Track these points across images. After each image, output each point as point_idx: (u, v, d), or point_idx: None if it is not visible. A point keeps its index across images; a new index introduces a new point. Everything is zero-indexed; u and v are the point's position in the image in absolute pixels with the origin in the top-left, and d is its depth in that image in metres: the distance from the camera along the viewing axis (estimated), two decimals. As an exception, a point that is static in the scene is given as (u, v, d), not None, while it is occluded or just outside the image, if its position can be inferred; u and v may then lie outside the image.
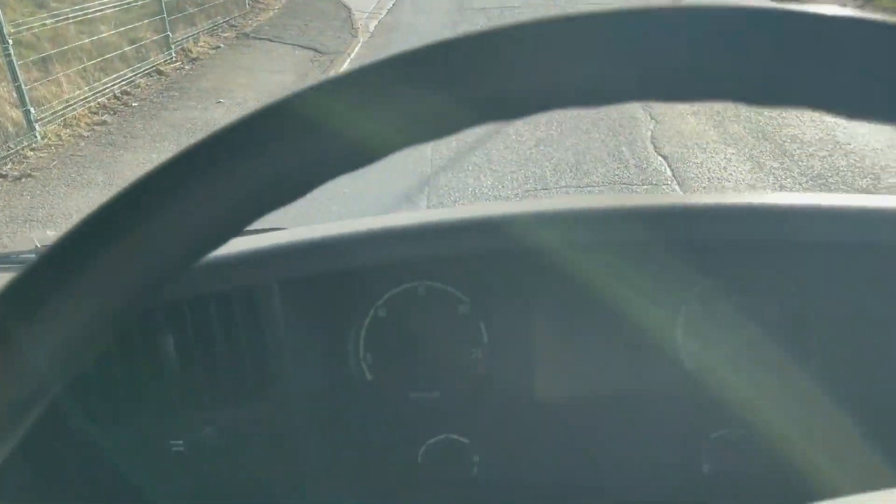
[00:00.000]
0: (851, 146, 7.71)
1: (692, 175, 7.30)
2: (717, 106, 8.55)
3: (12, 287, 0.37)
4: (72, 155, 8.39)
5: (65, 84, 9.45)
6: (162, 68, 11.23)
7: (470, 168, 7.75)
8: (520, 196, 7.11)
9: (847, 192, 6.84)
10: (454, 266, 1.97)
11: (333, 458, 1.76)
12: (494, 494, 1.83)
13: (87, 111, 9.42)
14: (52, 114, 8.91)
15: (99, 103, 9.71)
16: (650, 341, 1.87)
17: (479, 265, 1.95)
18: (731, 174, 7.31)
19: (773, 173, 7.31)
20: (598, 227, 1.52)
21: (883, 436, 1.73)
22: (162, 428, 1.45)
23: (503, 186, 7.30)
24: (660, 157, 7.70)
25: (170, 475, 1.46)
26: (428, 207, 7.04)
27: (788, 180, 7.16)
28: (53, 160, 8.23)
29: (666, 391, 1.85)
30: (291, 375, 1.50)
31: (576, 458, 1.86)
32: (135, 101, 10.10)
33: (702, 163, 7.56)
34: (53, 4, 10.76)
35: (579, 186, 7.23)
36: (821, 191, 6.95)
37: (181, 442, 1.43)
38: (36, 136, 8.47)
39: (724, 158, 7.66)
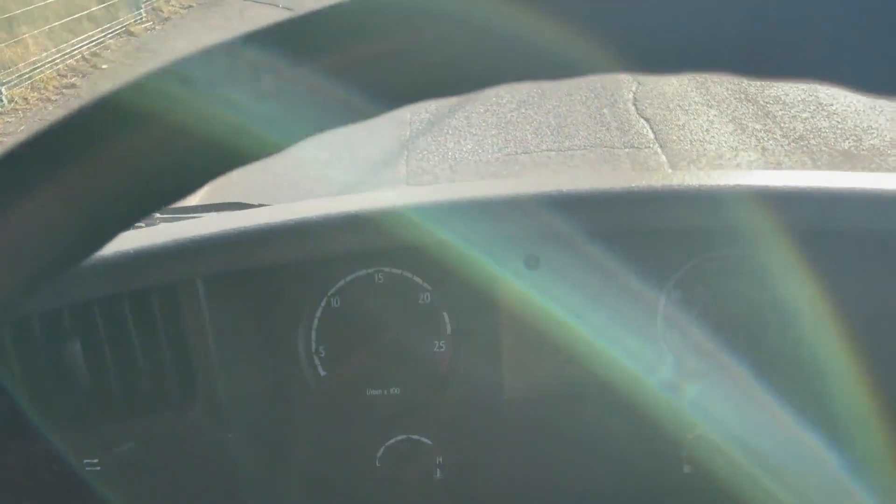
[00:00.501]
0: (834, 107, 7.53)
1: (674, 138, 7.11)
2: (700, 66, 8.30)
3: None
4: (40, 119, 8.05)
5: (31, 45, 9.04)
6: (132, 28, 10.79)
7: (450, 132, 7.51)
8: (500, 160, 6.90)
9: (830, 154, 6.69)
10: (415, 252, 1.78)
11: (280, 467, 1.59)
12: (459, 500, 1.66)
13: (55, 74, 9.03)
14: (19, 77, 8.54)
15: (67, 65, 9.32)
16: (628, 333, 1.69)
17: (443, 251, 1.76)
18: (713, 136, 7.13)
19: (756, 135, 7.14)
20: (572, 212, 1.33)
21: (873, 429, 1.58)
22: (73, 445, 1.26)
23: (483, 150, 7.09)
24: (642, 120, 7.49)
25: (85, 498, 1.28)
26: (407, 172, 6.82)
27: (771, 142, 6.99)
28: (21, 125, 7.90)
29: (645, 386, 1.68)
30: (224, 379, 1.32)
31: (548, 460, 1.69)
32: (104, 63, 9.70)
33: (684, 125, 7.37)
34: (18, -38, 10.26)
35: (561, 150, 7.02)
36: (803, 154, 6.80)
37: (96, 460, 1.25)
38: (2, 100, 8.11)
39: (707, 121, 7.47)
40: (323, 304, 1.78)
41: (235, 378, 1.37)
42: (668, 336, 1.68)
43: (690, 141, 7.09)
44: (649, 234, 1.65)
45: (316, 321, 1.76)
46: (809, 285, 1.64)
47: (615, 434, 1.69)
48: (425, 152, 7.14)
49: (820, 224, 1.44)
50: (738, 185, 1.40)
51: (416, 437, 1.71)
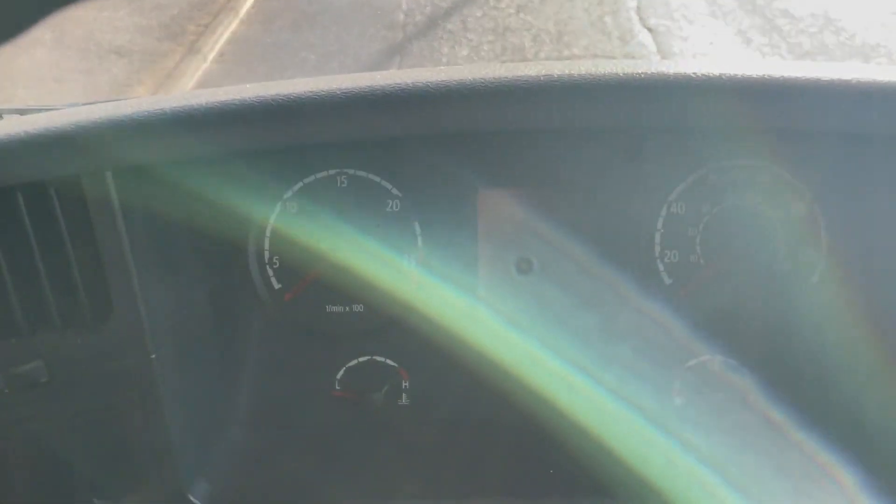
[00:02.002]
0: (842, 22, 7.09)
1: (676, 50, 6.72)
2: (708, -25, 7.80)
3: None
4: None
5: None
6: None
7: (444, 36, 7.07)
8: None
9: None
10: (384, 150, 1.53)
11: (220, 391, 1.38)
12: (426, 428, 1.47)
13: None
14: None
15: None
16: (623, 252, 1.46)
17: (416, 149, 1.51)
18: (717, 50, 6.73)
19: (761, 49, 6.74)
20: (565, 104, 1.07)
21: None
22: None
23: (479, 57, 6.68)
24: (645, 30, 7.06)
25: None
26: (398, 78, 6.43)
27: (776, 57, 6.60)
28: None
29: (637, 311, 1.47)
30: (145, 290, 1.10)
31: (528, 386, 1.49)
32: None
33: (688, 37, 6.95)
34: None
35: (560, 58, 6.62)
36: (809, 69, 6.43)
37: (-5, 381, 1.04)
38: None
39: (712, 33, 7.04)
40: (277, 208, 1.54)
41: (160, 290, 1.15)
42: (665, 252, 1.46)
43: (693, 54, 6.70)
44: (656, 135, 1.39)
45: (269, 228, 1.53)
46: (830, 199, 1.41)
47: (602, 359, 1.48)
48: (419, 58, 6.73)
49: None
50: (752, 76, 1.13)
51: (380, 358, 1.51)
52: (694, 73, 1.11)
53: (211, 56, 6.78)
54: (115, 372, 1.10)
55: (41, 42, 6.58)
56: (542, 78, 1.01)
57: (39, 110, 1.33)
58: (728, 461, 1.36)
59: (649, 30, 7.11)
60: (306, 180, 1.49)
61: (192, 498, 1.16)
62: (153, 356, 1.10)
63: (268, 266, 1.50)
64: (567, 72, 1.03)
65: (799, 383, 1.44)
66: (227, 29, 7.14)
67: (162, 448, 1.13)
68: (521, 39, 7.00)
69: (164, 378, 1.12)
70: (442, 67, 1.16)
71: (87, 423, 1.12)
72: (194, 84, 6.27)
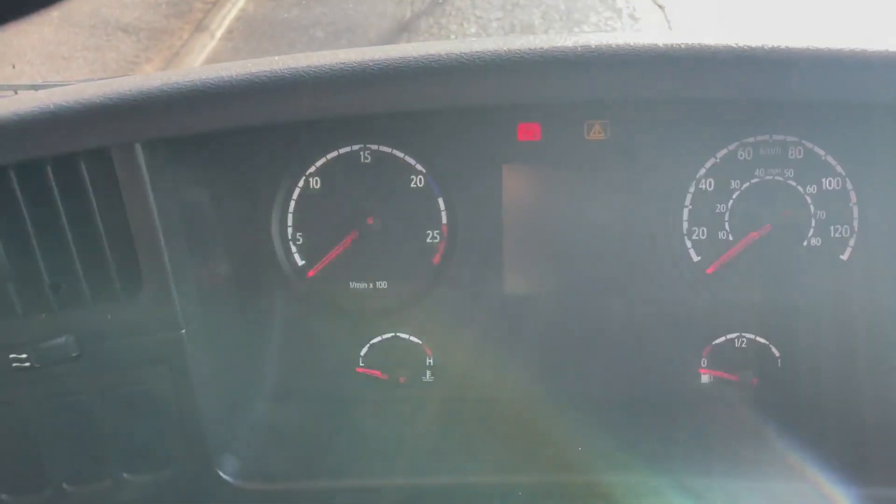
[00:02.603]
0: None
1: (687, 25, 6.62)
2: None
3: None
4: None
5: None
6: None
7: (453, 13, 6.99)
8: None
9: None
10: (407, 125, 1.51)
11: (246, 366, 1.38)
12: (450, 406, 1.46)
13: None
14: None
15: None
16: (650, 230, 1.44)
17: (440, 124, 1.48)
18: (730, 29, 6.62)
19: (770, 25, 6.64)
20: (602, 75, 1.04)
21: None
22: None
23: (487, 34, 6.60)
24: (656, 7, 6.96)
25: (13, 399, 1.06)
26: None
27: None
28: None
29: (664, 287, 1.45)
30: (175, 265, 1.08)
31: (551, 364, 1.49)
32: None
33: (698, 12, 6.84)
34: None
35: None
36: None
37: (24, 356, 1.03)
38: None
39: (721, 8, 6.93)
40: (301, 184, 1.52)
41: (189, 264, 1.13)
42: (693, 229, 1.44)
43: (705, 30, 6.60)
44: (688, 107, 1.36)
45: (293, 204, 1.51)
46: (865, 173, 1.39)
47: (627, 336, 1.47)
48: (426, 35, 6.65)
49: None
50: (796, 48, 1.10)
51: (404, 335, 1.50)
52: (730, 45, 1.08)
53: (219, 33, 6.72)
54: (146, 347, 1.09)
55: (49, 19, 6.53)
56: (581, 49, 0.98)
57: (54, 86, 1.31)
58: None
59: (660, 6, 7.02)
60: (329, 155, 1.47)
61: (221, 473, 1.16)
62: (183, 331, 1.09)
63: (291, 242, 1.48)
64: (607, 43, 1.00)
65: (826, 361, 1.43)
66: (235, 6, 7.08)
67: (191, 423, 1.13)
68: (531, 16, 6.91)
69: (193, 353, 1.11)
70: (475, 38, 1.14)
71: (118, 397, 1.11)
72: (203, 62, 6.22)
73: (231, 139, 1.33)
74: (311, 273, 1.47)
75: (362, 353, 1.50)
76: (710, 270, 1.43)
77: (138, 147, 1.00)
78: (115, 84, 0.97)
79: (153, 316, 1.08)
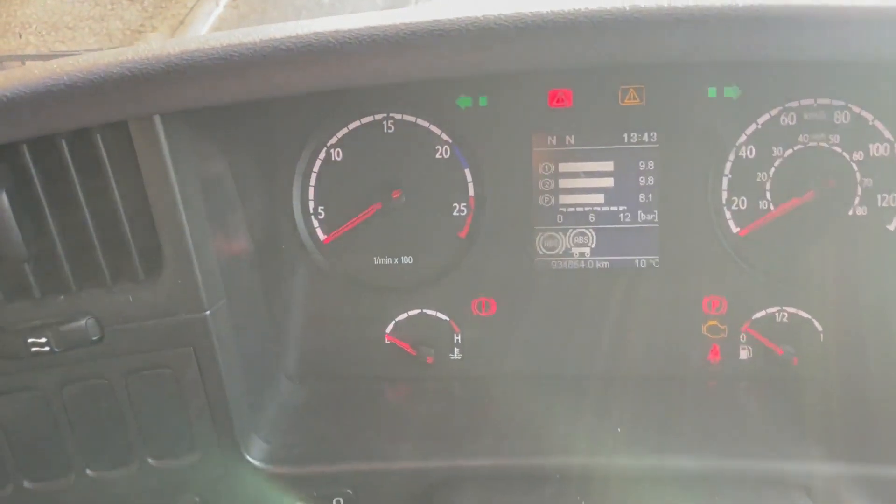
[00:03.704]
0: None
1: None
2: None
3: None
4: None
5: None
6: None
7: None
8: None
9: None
10: (433, 94, 1.44)
11: (269, 345, 1.33)
12: (478, 384, 1.42)
13: None
14: None
15: None
16: (688, 200, 1.38)
17: (471, 91, 1.41)
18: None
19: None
20: (642, 38, 0.97)
21: None
22: (13, 322, 0.99)
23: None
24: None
25: (34, 384, 1.02)
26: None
27: None
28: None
29: (702, 258, 1.39)
30: (197, 242, 1.03)
31: (580, 341, 1.44)
32: None
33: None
34: None
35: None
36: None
37: (43, 340, 0.98)
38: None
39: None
40: (322, 156, 1.46)
41: (211, 242, 1.08)
42: (733, 199, 1.38)
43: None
44: (729, 70, 1.29)
45: (314, 177, 1.45)
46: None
47: (663, 309, 1.42)
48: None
49: None
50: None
51: (431, 312, 1.45)
52: (779, 2, 1.00)
53: (224, 1, 6.58)
54: (169, 329, 1.05)
55: (52, -12, 6.41)
56: (630, 9, 0.91)
57: (63, 55, 1.25)
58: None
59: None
60: (351, 126, 1.41)
61: (248, 457, 1.12)
62: (207, 312, 1.05)
63: (313, 216, 1.43)
64: (653, 4, 0.93)
65: (871, 336, 1.37)
66: (240, -28, 6.92)
67: (218, 406, 1.09)
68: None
69: (218, 334, 1.07)
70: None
71: (141, 381, 1.07)
72: (209, 30, 6.11)
73: (251, 110, 1.26)
74: (327, 240, 1.42)
75: (387, 330, 1.45)
76: (743, 233, 1.37)
77: (157, 119, 0.94)
78: (130, 53, 0.91)
79: (176, 297, 1.03)
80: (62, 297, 1.02)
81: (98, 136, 0.95)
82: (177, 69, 0.88)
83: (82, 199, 0.97)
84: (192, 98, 0.93)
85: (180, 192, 0.99)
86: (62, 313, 1.02)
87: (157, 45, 0.92)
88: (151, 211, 0.98)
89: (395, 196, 1.39)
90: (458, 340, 1.46)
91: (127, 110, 0.91)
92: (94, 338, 1.02)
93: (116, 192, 0.98)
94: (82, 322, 1.02)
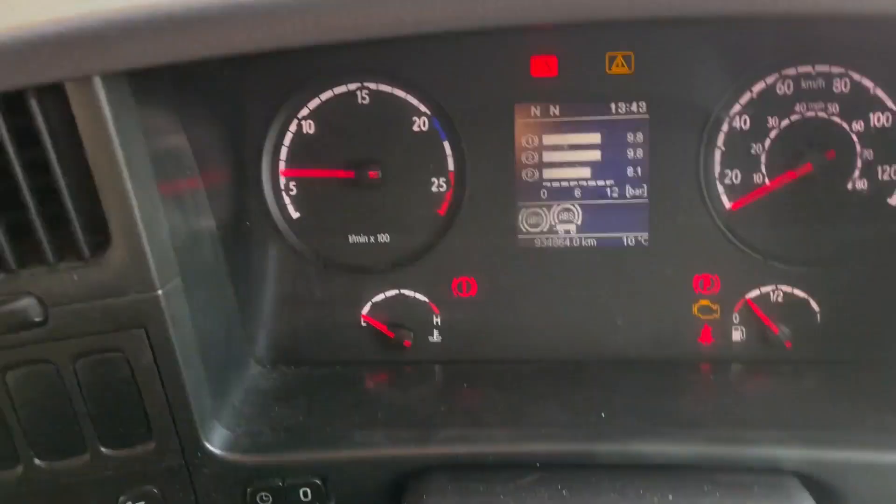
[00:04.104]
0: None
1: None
2: None
3: None
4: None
5: None
6: None
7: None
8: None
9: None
10: (410, 61, 1.35)
11: (230, 326, 1.26)
12: (458, 368, 1.35)
13: None
14: None
15: None
16: (677, 174, 1.31)
17: (447, 60, 1.33)
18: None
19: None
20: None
21: None
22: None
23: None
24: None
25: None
26: None
27: None
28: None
29: (693, 234, 1.33)
30: (152, 218, 0.95)
31: (565, 321, 1.37)
32: None
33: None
34: None
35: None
36: None
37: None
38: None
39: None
40: (293, 128, 1.38)
41: (164, 217, 1.00)
42: (726, 172, 1.30)
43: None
44: (721, 35, 1.21)
45: (284, 150, 1.37)
46: None
47: (650, 288, 1.35)
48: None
49: None
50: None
51: (409, 292, 1.38)
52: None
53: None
54: (119, 310, 0.97)
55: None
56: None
57: None
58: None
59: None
60: (323, 96, 1.33)
61: (208, 445, 1.06)
62: (160, 291, 0.97)
63: (284, 193, 1.35)
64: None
65: (868, 317, 1.30)
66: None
67: (174, 392, 1.02)
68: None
69: (173, 315, 0.99)
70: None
71: (91, 365, 1.00)
72: None
73: (210, 73, 1.18)
74: (306, 226, 1.35)
75: (364, 312, 1.38)
76: (736, 207, 1.30)
77: (97, 81, 0.86)
78: (61, 6, 0.83)
79: (125, 275, 0.95)
80: (1, 276, 0.95)
81: (33, 101, 0.87)
82: (114, 24, 0.81)
83: (18, 171, 0.90)
84: (130, 56, 0.85)
85: (126, 162, 0.91)
86: (1, 294, 0.95)
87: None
88: (95, 183, 0.91)
89: (370, 172, 1.32)
90: (437, 322, 1.38)
91: (61, 71, 0.83)
92: (37, 319, 0.95)
93: (56, 163, 0.90)
94: (23, 303, 0.94)
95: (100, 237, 0.95)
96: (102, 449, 1.04)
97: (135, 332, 0.98)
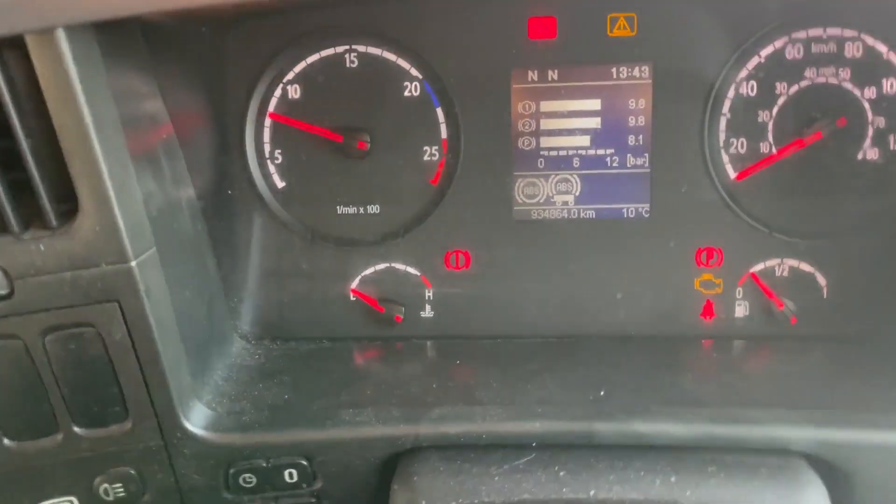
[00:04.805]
0: None
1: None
2: None
3: None
4: None
5: None
6: None
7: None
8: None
9: None
10: (401, 23, 1.28)
11: (214, 303, 1.20)
12: (450, 343, 1.30)
13: None
14: None
15: None
16: (680, 141, 1.25)
17: (440, 22, 1.26)
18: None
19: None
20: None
21: None
22: None
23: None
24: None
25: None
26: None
27: None
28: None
29: (696, 205, 1.27)
30: (124, 184, 0.89)
31: (561, 295, 1.31)
32: None
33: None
34: None
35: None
36: None
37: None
38: None
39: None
40: (278, 93, 1.30)
41: (137, 183, 0.93)
42: (731, 141, 1.24)
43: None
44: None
45: (268, 116, 1.30)
46: None
47: (651, 261, 1.29)
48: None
49: None
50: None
51: (400, 266, 1.32)
52: None
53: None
54: (89, 281, 0.91)
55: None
56: None
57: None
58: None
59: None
60: (310, 59, 1.26)
61: (187, 425, 1.00)
62: (133, 263, 0.91)
63: (269, 161, 1.29)
64: None
65: (876, 292, 1.25)
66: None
67: (151, 368, 0.96)
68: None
69: (149, 288, 0.93)
70: None
71: (62, 341, 0.94)
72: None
73: (189, 33, 1.11)
74: (293, 197, 1.28)
75: (353, 286, 1.32)
76: (741, 177, 1.24)
77: (60, 33, 0.79)
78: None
79: (95, 245, 0.89)
80: None
81: None
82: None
83: None
84: (96, 6, 0.78)
85: (94, 123, 0.84)
86: None
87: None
88: (61, 146, 0.84)
89: (359, 140, 1.25)
90: (429, 297, 1.33)
91: (20, 22, 0.76)
92: (2, 292, 0.89)
93: (18, 125, 0.83)
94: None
95: (68, 205, 0.89)
96: (76, 429, 0.98)
97: (107, 306, 0.92)
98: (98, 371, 0.95)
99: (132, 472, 1.02)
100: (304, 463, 1.03)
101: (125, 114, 0.92)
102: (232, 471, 1.03)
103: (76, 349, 0.94)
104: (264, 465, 1.03)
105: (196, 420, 1.02)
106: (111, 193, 0.87)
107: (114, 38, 0.88)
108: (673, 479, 0.95)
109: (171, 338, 0.99)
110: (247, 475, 1.03)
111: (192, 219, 1.12)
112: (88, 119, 0.84)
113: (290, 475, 1.03)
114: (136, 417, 0.99)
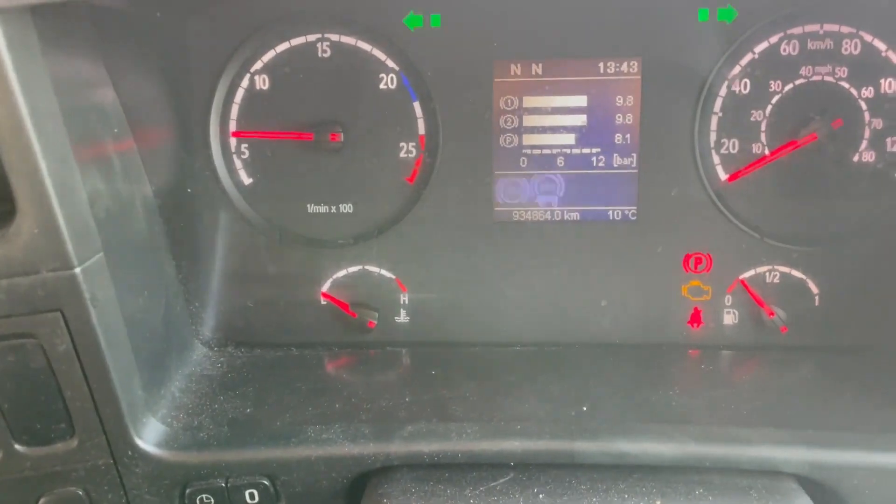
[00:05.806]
0: None
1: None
2: None
3: None
4: None
5: None
6: None
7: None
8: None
9: None
10: (377, 12, 1.20)
11: (172, 309, 1.12)
12: (428, 351, 1.23)
13: None
14: None
15: None
16: (670, 136, 1.19)
17: (419, 6, 1.18)
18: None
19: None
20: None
21: None
22: None
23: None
24: None
25: None
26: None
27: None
28: None
29: (684, 208, 1.21)
30: (68, 183, 0.80)
31: (541, 301, 1.25)
32: None
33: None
34: None
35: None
36: None
37: None
38: None
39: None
40: (245, 84, 1.22)
41: (79, 182, 0.84)
42: (723, 141, 1.18)
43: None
44: None
45: (236, 109, 1.22)
46: None
47: (637, 268, 1.23)
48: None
49: None
50: None
51: (374, 268, 1.25)
52: None
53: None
54: (29, 289, 0.83)
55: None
56: None
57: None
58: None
59: None
60: (279, 48, 1.18)
61: (139, 442, 0.93)
62: (77, 269, 0.83)
63: (235, 156, 1.21)
64: None
65: (871, 301, 1.20)
66: None
67: (98, 382, 0.88)
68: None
69: (94, 295, 0.85)
70: None
71: (1, 353, 0.86)
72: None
73: (143, 16, 1.03)
74: (260, 194, 1.21)
75: (323, 289, 1.25)
76: (732, 179, 1.18)
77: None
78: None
79: (35, 250, 0.81)
80: None
81: None
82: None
83: None
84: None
85: (32, 117, 0.76)
86: None
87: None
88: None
89: (331, 135, 1.18)
90: (404, 301, 1.26)
91: None
92: (-67, 301, 0.81)
93: None
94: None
95: (4, 206, 0.81)
96: (17, 447, 0.90)
97: (49, 316, 0.84)
98: (40, 385, 0.87)
99: (79, 492, 0.94)
100: (266, 483, 0.96)
101: (68, 105, 0.84)
102: (188, 491, 0.95)
103: (16, 362, 0.86)
104: (223, 484, 0.95)
105: (148, 436, 0.94)
106: (52, 194, 0.79)
107: (54, 22, 0.80)
108: (658, 502, 0.89)
109: (120, 348, 0.91)
110: (204, 496, 0.95)
111: (148, 219, 1.04)
112: (24, 111, 0.75)
113: (251, 496, 0.96)
114: (82, 434, 0.91)
